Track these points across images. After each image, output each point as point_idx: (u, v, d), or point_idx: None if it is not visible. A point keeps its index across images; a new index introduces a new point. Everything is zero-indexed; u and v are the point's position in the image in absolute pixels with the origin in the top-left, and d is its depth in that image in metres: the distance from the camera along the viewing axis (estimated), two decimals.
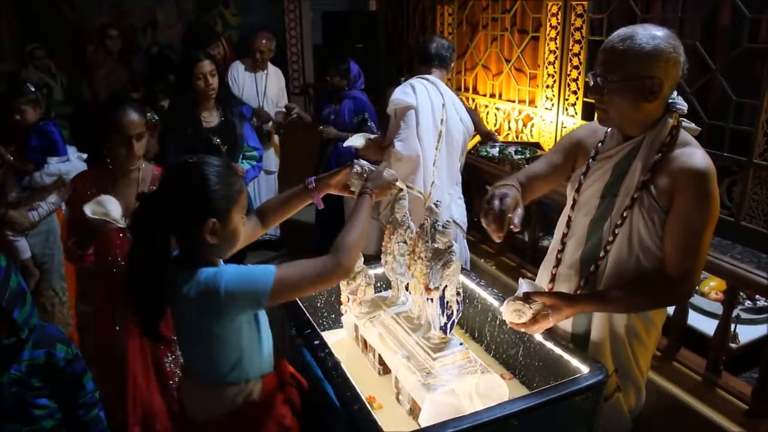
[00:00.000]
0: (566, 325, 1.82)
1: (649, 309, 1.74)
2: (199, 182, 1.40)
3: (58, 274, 3.02)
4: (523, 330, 1.68)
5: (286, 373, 1.62)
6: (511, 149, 4.00)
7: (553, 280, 1.87)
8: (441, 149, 3.06)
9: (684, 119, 1.67)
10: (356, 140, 3.22)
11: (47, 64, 5.07)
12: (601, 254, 1.72)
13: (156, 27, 6.46)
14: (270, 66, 4.50)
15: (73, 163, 3.18)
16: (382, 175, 1.71)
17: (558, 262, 1.86)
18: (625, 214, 1.67)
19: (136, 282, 1.43)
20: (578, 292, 1.77)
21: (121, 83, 5.24)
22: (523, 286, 1.67)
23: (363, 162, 1.75)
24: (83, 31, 5.95)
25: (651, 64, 1.55)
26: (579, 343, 1.78)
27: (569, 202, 1.85)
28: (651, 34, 1.56)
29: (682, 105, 1.64)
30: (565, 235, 1.84)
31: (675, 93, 1.65)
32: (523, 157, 3.88)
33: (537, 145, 4.34)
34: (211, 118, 3.07)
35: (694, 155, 1.59)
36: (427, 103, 3.01)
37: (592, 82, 1.65)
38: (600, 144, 1.79)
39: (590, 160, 1.79)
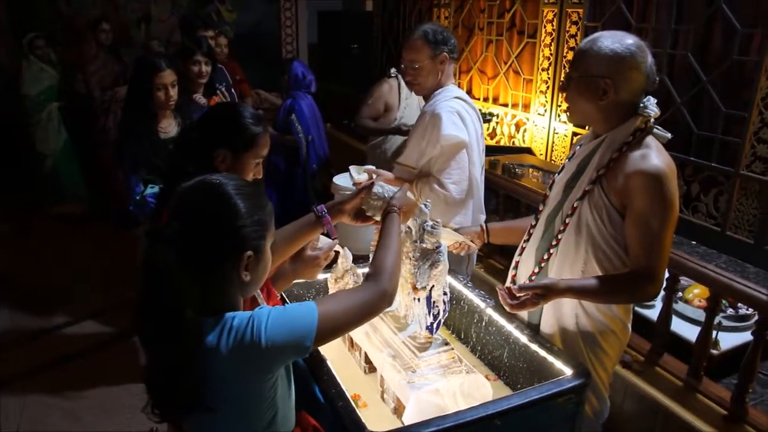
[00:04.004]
0: (522, 313, 1.87)
1: (621, 303, 1.77)
2: (231, 208, 1.16)
3: None
4: (511, 311, 1.72)
5: (310, 427, 1.45)
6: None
7: (516, 267, 1.94)
8: (482, 181, 2.68)
9: (657, 127, 1.69)
10: (355, 174, 2.39)
11: (47, 53, 5.04)
12: (553, 243, 1.78)
13: (150, 21, 6.45)
14: None
15: None
16: (407, 195, 1.59)
17: (522, 251, 1.93)
18: (575, 205, 1.72)
19: (154, 351, 1.16)
20: (532, 278, 1.83)
21: (113, 77, 5.23)
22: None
23: (384, 183, 1.68)
24: (78, 25, 5.94)
25: (605, 65, 1.62)
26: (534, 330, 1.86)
27: (543, 199, 1.91)
28: (615, 39, 1.63)
29: (652, 110, 1.66)
30: (532, 227, 1.91)
31: (650, 98, 1.68)
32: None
33: (528, 150, 4.38)
34: (170, 128, 2.87)
35: (648, 157, 1.61)
36: (474, 134, 2.57)
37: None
38: (579, 146, 1.85)
39: (567, 160, 1.87)
